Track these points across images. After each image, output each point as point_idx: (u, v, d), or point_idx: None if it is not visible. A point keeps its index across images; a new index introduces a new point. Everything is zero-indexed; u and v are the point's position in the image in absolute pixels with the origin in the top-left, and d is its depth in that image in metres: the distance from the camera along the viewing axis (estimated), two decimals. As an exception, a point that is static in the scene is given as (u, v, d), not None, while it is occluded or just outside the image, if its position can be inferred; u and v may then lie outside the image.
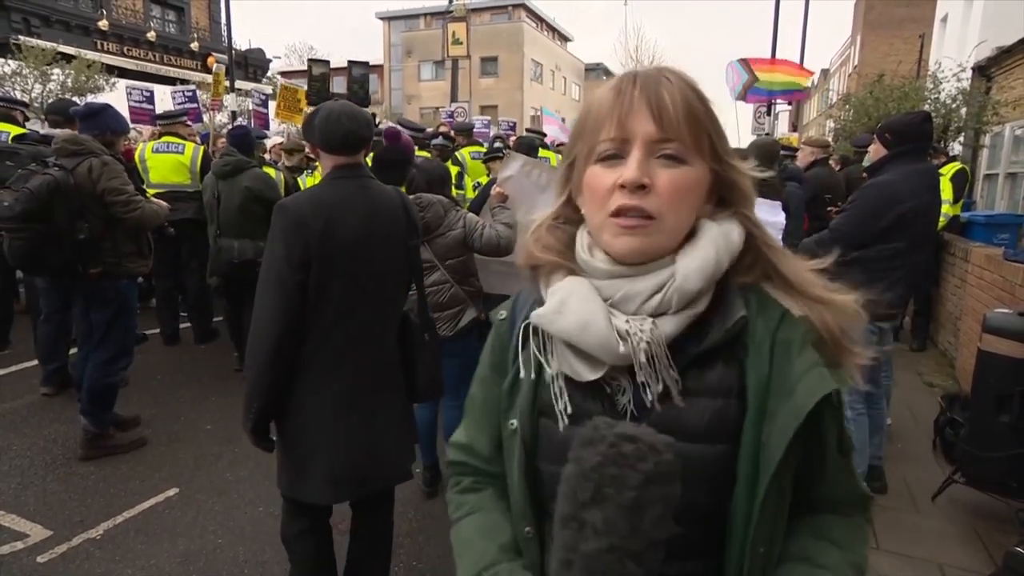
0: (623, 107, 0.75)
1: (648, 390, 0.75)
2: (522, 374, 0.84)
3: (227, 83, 10.19)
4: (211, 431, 3.90)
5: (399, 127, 4.68)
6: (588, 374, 0.77)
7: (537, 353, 0.81)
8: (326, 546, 2.11)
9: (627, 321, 0.75)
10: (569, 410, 0.78)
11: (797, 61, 12.52)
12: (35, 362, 4.60)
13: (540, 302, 0.83)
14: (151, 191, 4.92)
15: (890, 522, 2.99)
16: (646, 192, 0.73)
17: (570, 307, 0.77)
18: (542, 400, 0.82)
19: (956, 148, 8.62)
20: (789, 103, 10.60)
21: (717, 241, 0.77)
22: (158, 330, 5.53)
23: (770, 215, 2.31)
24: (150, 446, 3.66)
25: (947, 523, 2.99)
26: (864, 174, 3.89)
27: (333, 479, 1.91)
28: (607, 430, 0.62)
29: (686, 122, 0.74)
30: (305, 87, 8.57)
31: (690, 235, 0.78)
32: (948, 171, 5.77)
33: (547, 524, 0.83)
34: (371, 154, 5.17)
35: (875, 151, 3.06)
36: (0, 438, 3.70)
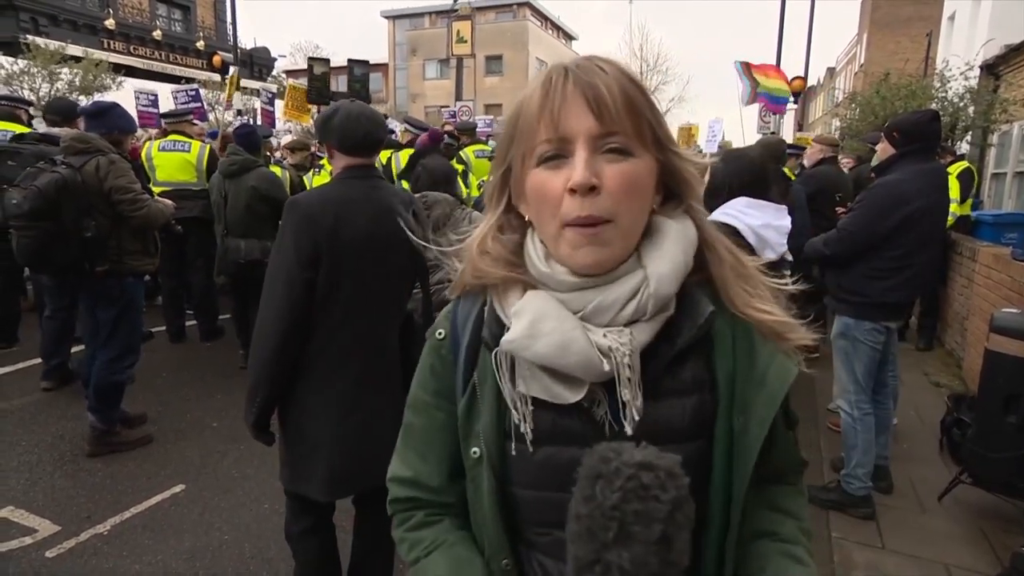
0: (555, 103, 0.69)
1: (630, 406, 0.72)
2: (486, 409, 0.78)
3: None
4: (217, 428, 3.92)
5: (439, 130, 4.75)
6: (569, 396, 0.73)
7: (500, 377, 0.76)
8: (330, 543, 2.12)
9: (605, 335, 0.71)
10: (531, 436, 0.75)
11: (804, 58, 12.49)
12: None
13: (493, 319, 0.78)
14: (157, 189, 4.95)
15: (896, 522, 2.98)
16: (596, 194, 0.68)
17: (544, 328, 0.71)
18: (508, 422, 0.77)
19: (964, 147, 8.57)
20: (775, 112, 10.52)
21: (682, 240, 0.75)
22: (164, 328, 5.56)
23: (775, 218, 2.29)
24: (156, 443, 3.69)
25: (953, 523, 2.98)
26: (871, 174, 3.87)
27: (333, 477, 1.91)
28: (618, 460, 0.58)
29: (626, 112, 0.69)
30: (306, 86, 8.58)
31: (646, 231, 0.75)
32: (954, 170, 5.74)
33: (524, 553, 0.82)
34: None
35: (882, 150, 3.05)
36: (9, 434, 3.73)
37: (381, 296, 1.97)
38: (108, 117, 3.58)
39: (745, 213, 2.24)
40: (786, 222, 2.33)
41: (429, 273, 2.92)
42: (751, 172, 2.37)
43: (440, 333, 0.85)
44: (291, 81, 10.15)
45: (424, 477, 0.87)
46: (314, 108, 8.27)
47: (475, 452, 0.79)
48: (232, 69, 8.66)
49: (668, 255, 0.73)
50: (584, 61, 0.72)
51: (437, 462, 0.85)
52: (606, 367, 0.70)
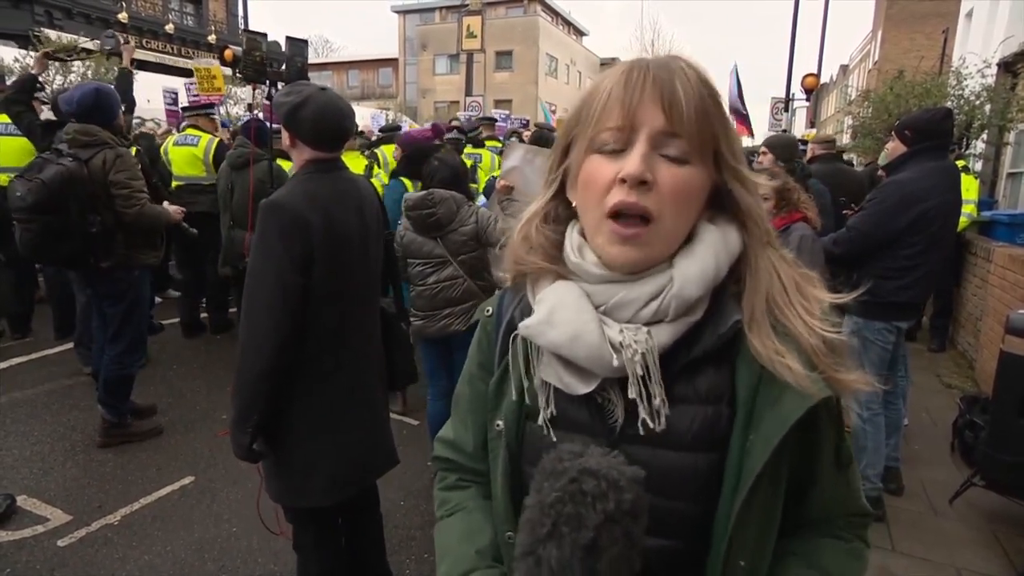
0: (633, 95, 0.69)
1: (640, 407, 0.71)
2: (512, 388, 0.81)
3: (216, 75, 9.96)
4: (226, 420, 3.91)
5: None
6: (580, 387, 0.73)
7: (524, 362, 0.78)
8: (339, 546, 2.08)
9: (621, 331, 0.71)
10: (547, 416, 0.77)
11: (817, 55, 12.42)
12: (55, 350, 4.69)
13: (527, 305, 0.80)
14: (174, 183, 5.00)
15: (906, 524, 2.95)
16: (647, 188, 0.68)
17: (560, 317, 0.72)
18: (530, 403, 0.79)
19: (979, 146, 8.43)
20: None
21: (717, 246, 0.72)
22: (177, 320, 5.60)
23: None
24: (166, 435, 3.71)
25: (965, 526, 2.95)
26: (882, 171, 3.82)
27: (336, 479, 1.86)
28: (571, 461, 0.59)
29: (697, 119, 0.69)
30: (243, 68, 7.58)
31: (687, 239, 0.74)
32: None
33: None
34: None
35: (894, 148, 3.01)
36: (22, 424, 3.77)
37: (369, 291, 1.95)
38: (106, 113, 3.35)
39: None
40: None
41: (437, 269, 2.94)
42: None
43: (488, 311, 0.89)
44: (193, 63, 9.78)
45: (461, 442, 0.92)
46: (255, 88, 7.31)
47: (498, 425, 0.82)
48: (205, 60, 8.39)
49: (698, 258, 0.72)
50: (667, 59, 0.72)
51: (475, 430, 0.90)
52: (615, 362, 0.69)
